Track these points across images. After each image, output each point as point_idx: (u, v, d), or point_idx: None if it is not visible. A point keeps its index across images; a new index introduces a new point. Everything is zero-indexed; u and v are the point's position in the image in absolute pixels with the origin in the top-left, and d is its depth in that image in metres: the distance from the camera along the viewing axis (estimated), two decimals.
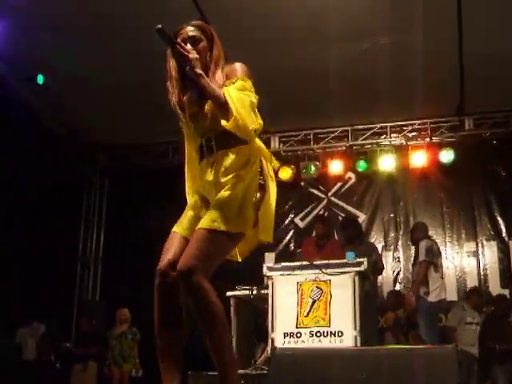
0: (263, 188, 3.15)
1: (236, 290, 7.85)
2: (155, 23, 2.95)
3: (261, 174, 3.15)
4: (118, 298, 10.85)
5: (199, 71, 3.04)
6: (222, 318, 2.97)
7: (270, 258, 7.48)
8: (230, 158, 3.11)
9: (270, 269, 7.28)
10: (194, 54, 3.08)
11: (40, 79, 9.82)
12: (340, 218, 10.76)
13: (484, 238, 10.66)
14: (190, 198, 3.33)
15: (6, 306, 10.32)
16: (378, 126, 11.21)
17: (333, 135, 11.39)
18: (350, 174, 11.33)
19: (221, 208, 3.00)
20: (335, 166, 11.15)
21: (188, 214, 3.24)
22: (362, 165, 11.03)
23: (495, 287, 10.24)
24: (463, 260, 10.65)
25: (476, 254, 10.60)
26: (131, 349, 10.06)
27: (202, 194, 3.24)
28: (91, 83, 9.96)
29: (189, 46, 3.14)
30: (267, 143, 11.36)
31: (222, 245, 3.03)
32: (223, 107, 2.98)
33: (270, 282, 7.19)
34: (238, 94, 3.02)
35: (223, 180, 3.06)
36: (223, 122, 2.97)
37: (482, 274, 10.48)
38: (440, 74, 9.29)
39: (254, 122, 3.03)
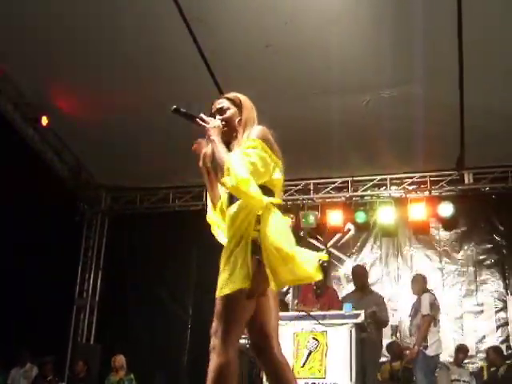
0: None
1: None
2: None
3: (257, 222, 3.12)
4: (113, 342, 10.77)
5: (213, 137, 3.25)
6: None
7: None
8: (233, 212, 3.20)
9: None
10: (213, 124, 3.29)
11: (44, 121, 9.94)
12: (338, 270, 10.78)
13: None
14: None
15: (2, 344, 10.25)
16: (378, 177, 11.28)
17: (333, 186, 11.45)
18: (349, 225, 11.28)
19: (224, 272, 3.09)
20: (334, 217, 11.11)
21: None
22: (361, 216, 11.02)
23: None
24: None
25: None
26: None
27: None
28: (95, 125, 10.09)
29: (217, 117, 3.37)
30: None
31: (234, 307, 3.07)
32: (224, 171, 3.11)
33: None
34: (239, 156, 3.13)
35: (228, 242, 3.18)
36: (224, 180, 3.10)
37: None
38: (440, 127, 9.37)
39: (244, 181, 3.03)
